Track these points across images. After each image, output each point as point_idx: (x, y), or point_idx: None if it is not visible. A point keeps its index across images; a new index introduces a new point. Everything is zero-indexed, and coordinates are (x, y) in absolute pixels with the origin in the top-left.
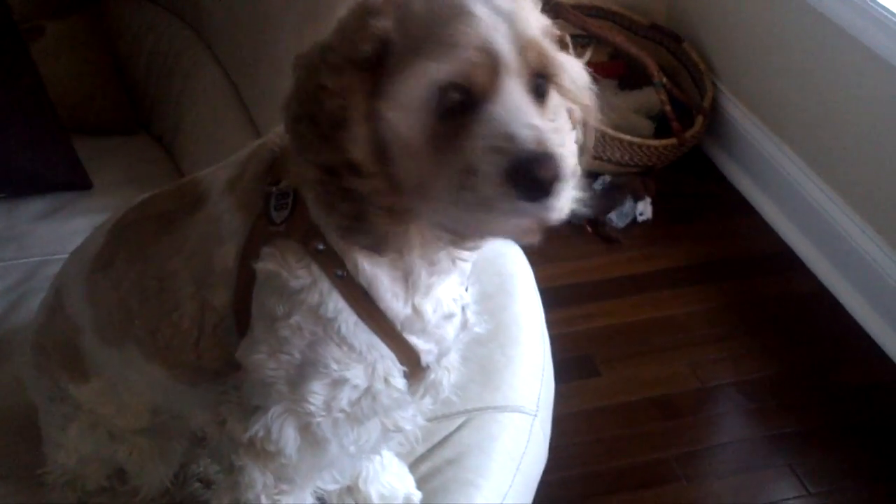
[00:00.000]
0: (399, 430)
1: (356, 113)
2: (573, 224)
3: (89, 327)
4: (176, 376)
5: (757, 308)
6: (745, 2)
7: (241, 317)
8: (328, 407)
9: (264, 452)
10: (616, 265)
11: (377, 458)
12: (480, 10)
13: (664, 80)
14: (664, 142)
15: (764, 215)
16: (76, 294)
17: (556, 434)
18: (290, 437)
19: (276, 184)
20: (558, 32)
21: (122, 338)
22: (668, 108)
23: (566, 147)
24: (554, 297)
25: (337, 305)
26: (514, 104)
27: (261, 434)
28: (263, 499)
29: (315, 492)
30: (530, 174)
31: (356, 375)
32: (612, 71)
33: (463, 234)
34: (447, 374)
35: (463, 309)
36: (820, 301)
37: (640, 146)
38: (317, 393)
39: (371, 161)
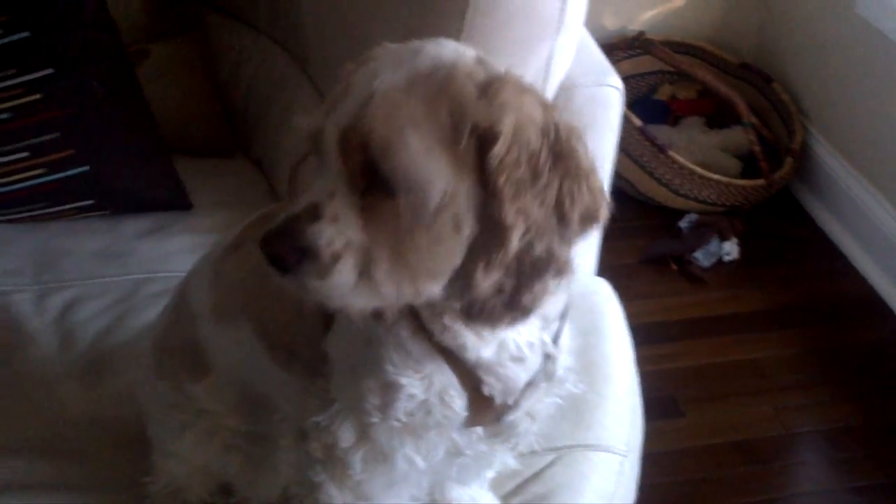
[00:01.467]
0: (460, 453)
1: None
2: (658, 262)
3: (207, 311)
4: (274, 357)
5: (844, 354)
6: (837, 43)
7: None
8: (384, 411)
9: (336, 462)
10: (701, 305)
11: (467, 490)
12: (359, 79)
13: (753, 119)
14: (752, 182)
15: (852, 260)
16: (200, 286)
17: (640, 474)
18: (347, 432)
19: None
20: (485, 127)
21: (237, 313)
22: (756, 148)
23: (398, 245)
24: (638, 335)
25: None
26: (317, 181)
27: (323, 422)
28: None
29: None
30: (263, 247)
31: (412, 384)
32: (700, 108)
33: None
34: (528, 420)
35: (547, 357)
36: None
37: (727, 185)
38: (373, 392)
39: None
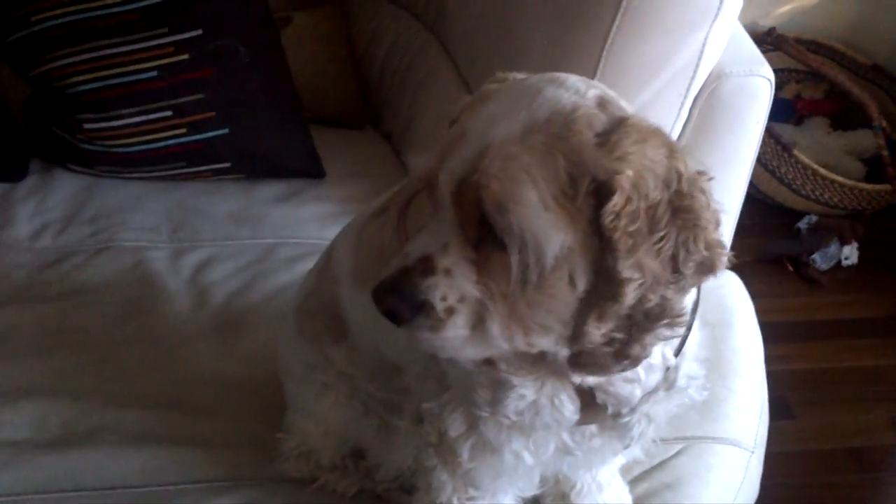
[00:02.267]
0: (569, 452)
1: None
2: (774, 261)
3: (347, 275)
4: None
5: None
6: None
7: None
8: (493, 407)
9: (447, 449)
10: (817, 308)
11: (595, 473)
12: (474, 126)
13: (884, 123)
14: (877, 187)
15: None
16: (343, 250)
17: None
18: (455, 421)
19: None
20: (605, 181)
21: (373, 278)
22: (884, 153)
23: (516, 300)
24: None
25: None
26: (428, 231)
27: (435, 410)
28: (455, 501)
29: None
30: (375, 299)
31: (523, 384)
32: (827, 109)
33: None
34: (645, 421)
35: (668, 370)
36: None
37: (851, 189)
38: (484, 386)
39: None
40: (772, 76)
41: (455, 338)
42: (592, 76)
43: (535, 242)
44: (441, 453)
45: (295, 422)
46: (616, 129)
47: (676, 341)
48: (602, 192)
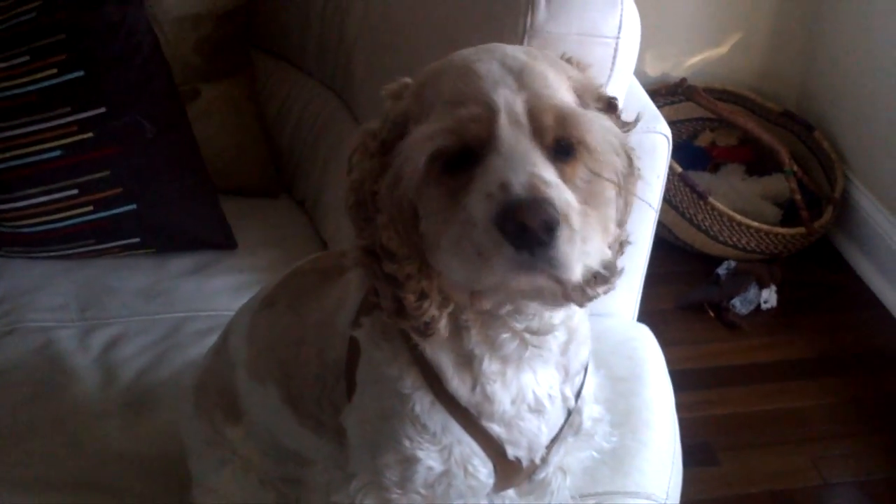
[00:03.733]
0: None
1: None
2: (694, 308)
3: (242, 363)
4: (302, 423)
5: (883, 405)
6: (878, 93)
7: (350, 382)
8: (403, 485)
9: None
10: (738, 352)
11: None
12: (484, 68)
13: (795, 167)
14: (792, 230)
15: (891, 308)
16: (239, 333)
17: None
18: None
19: None
20: (604, 92)
21: (265, 376)
22: (797, 196)
23: (592, 208)
24: (673, 382)
25: (414, 383)
26: (515, 154)
27: (345, 501)
28: None
29: None
30: (516, 219)
31: (430, 457)
32: (741, 156)
33: (470, 284)
34: (561, 476)
35: (570, 412)
36: None
37: (767, 233)
38: (391, 467)
39: (398, 244)
40: (668, 132)
41: (582, 248)
42: None
43: (598, 145)
44: None
45: (197, 497)
46: (569, 59)
47: (578, 382)
48: (609, 105)
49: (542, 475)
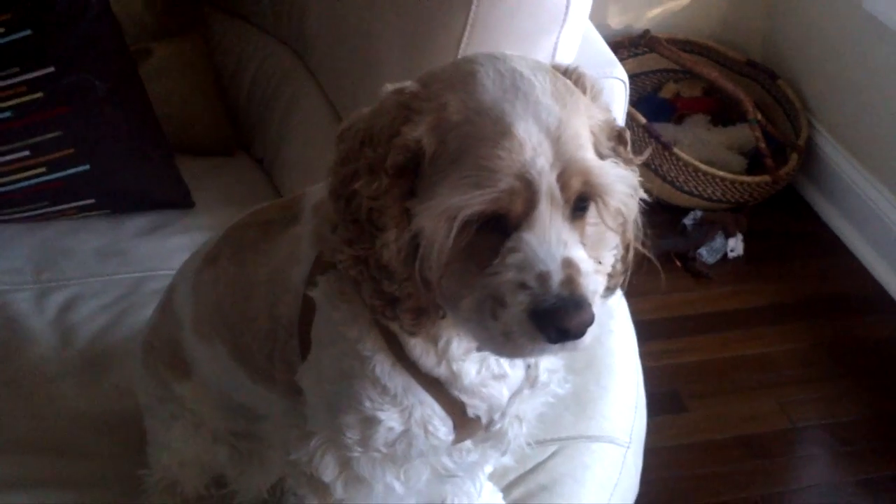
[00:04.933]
0: (451, 474)
1: (389, 218)
2: (662, 258)
3: (188, 321)
4: (253, 378)
5: (849, 349)
6: (842, 39)
7: (303, 340)
8: (364, 444)
9: (318, 485)
10: (705, 301)
11: (468, 484)
12: (523, 131)
13: (759, 116)
14: (757, 179)
15: (857, 255)
16: (183, 289)
17: (643, 468)
18: (328, 466)
19: None
20: (616, 126)
21: (212, 334)
22: (762, 145)
23: (602, 265)
24: (642, 331)
25: (375, 344)
26: (549, 235)
27: (304, 458)
28: None
29: None
30: (557, 322)
31: (390, 417)
32: (706, 106)
33: (488, 350)
34: (517, 424)
35: (529, 367)
36: None
37: (732, 182)
38: (352, 427)
39: (402, 265)
40: (625, 77)
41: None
42: None
43: (617, 201)
44: (311, 485)
45: (153, 455)
46: (579, 80)
47: None
48: (622, 139)
49: (497, 426)
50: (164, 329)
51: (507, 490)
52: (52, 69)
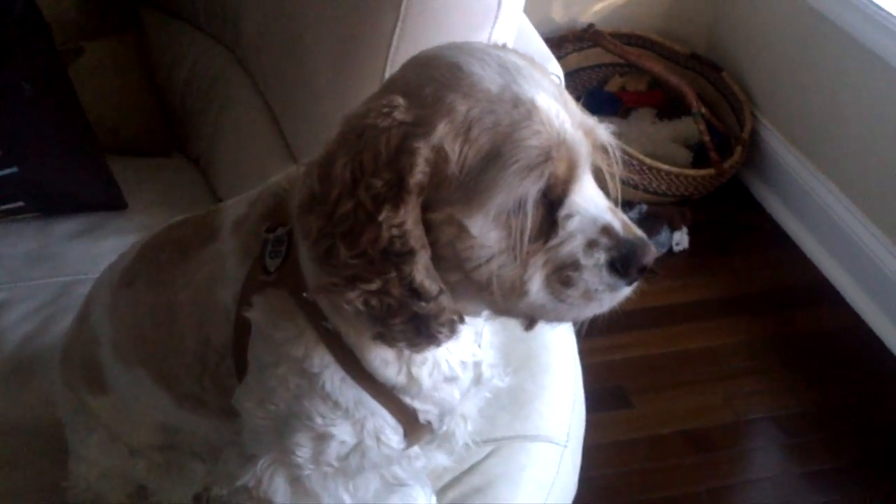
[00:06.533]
0: (401, 483)
1: (415, 241)
2: None
3: (107, 341)
4: (181, 405)
5: (794, 341)
6: (785, 34)
7: (239, 362)
8: (316, 460)
9: (260, 499)
10: (651, 295)
11: (417, 491)
12: (543, 103)
13: (703, 109)
14: (702, 172)
15: (802, 247)
16: (101, 306)
17: (586, 465)
18: (279, 488)
19: (273, 230)
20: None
21: (132, 360)
22: (706, 138)
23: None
24: (586, 327)
25: (322, 360)
26: (591, 192)
27: (251, 483)
28: None
29: None
30: (637, 262)
31: (343, 431)
32: (651, 100)
33: (558, 321)
34: (462, 423)
35: (476, 365)
36: (858, 335)
37: (677, 176)
38: (303, 445)
39: (433, 283)
40: (561, 73)
41: None
42: (381, 82)
43: (614, 152)
44: (249, 499)
45: (73, 467)
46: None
47: (482, 335)
48: None
49: (444, 427)
50: (80, 342)
51: (441, 492)
52: None
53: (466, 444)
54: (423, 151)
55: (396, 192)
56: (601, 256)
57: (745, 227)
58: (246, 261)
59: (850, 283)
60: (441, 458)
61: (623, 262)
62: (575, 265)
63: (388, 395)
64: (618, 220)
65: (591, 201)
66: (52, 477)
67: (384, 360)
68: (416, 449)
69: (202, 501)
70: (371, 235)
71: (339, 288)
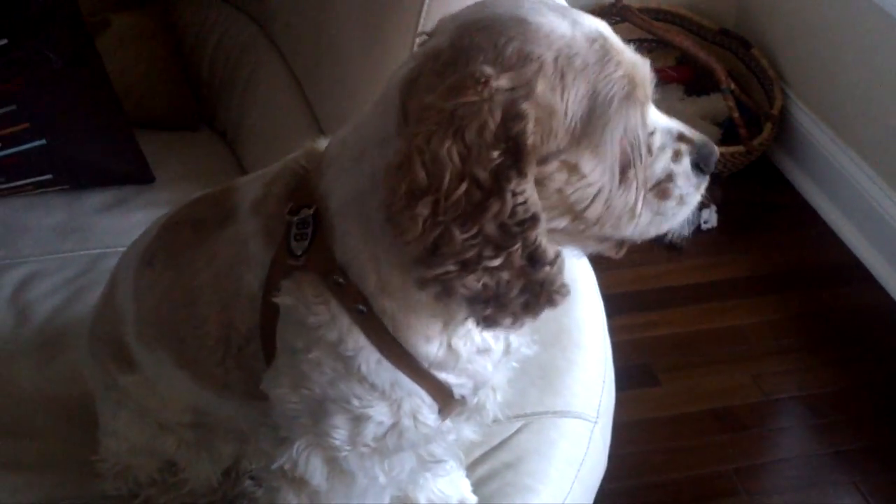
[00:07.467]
0: (437, 459)
1: (534, 205)
2: None
3: (131, 321)
4: (205, 386)
5: (823, 320)
6: (816, 8)
7: (267, 345)
8: (353, 441)
9: (296, 479)
10: (679, 273)
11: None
12: (611, 36)
13: (732, 86)
14: (731, 149)
15: (832, 225)
16: (125, 285)
17: (614, 443)
18: (316, 469)
19: (296, 212)
20: None
21: (154, 343)
22: (735, 114)
23: None
24: (614, 305)
25: (357, 343)
26: (652, 108)
27: (287, 466)
28: None
29: None
30: (713, 157)
31: (380, 412)
32: (679, 76)
33: (659, 231)
34: (492, 394)
35: (506, 336)
36: (888, 314)
37: None
38: (340, 428)
39: (552, 245)
40: None
41: None
42: (411, 50)
43: None
44: (284, 477)
45: (103, 440)
46: None
47: None
48: None
49: (475, 399)
50: (107, 320)
51: (471, 467)
52: (5, 41)
53: (496, 418)
54: (531, 111)
55: (516, 160)
56: (687, 161)
57: (774, 204)
58: (270, 244)
59: (881, 262)
60: (468, 432)
61: (704, 161)
62: (669, 177)
63: (423, 374)
64: (683, 127)
65: (658, 115)
66: (81, 448)
67: (426, 337)
68: (448, 423)
69: (231, 476)
70: (495, 209)
71: (452, 275)
